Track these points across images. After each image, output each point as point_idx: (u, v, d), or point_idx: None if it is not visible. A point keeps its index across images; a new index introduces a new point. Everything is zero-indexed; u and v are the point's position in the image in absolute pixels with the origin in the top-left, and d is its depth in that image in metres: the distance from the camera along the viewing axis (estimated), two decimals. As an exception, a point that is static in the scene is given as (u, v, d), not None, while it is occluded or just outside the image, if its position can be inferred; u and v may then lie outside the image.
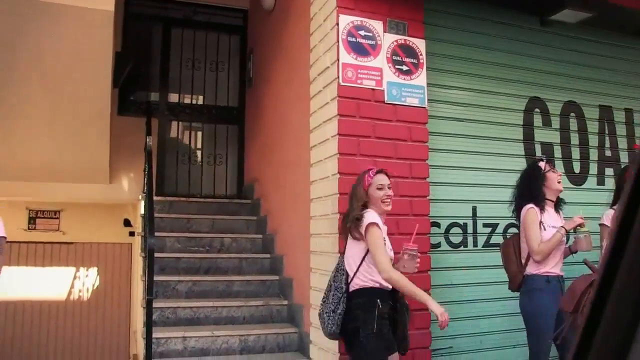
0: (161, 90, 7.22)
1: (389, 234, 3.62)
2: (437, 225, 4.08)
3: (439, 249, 4.06)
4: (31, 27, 4.95)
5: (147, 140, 5.55)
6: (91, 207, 9.51)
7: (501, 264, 3.76)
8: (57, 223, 9.96)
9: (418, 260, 3.07)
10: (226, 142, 7.37)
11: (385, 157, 3.73)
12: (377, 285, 3.00)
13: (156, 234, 4.72)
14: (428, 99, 3.95)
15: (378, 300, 2.97)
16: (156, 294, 4.69)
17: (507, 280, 3.71)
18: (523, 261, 3.57)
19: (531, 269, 3.51)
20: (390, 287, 3.01)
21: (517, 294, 3.65)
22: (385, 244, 3.03)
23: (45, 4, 4.71)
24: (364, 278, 3.03)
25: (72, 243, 10.00)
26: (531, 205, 3.53)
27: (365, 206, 3.11)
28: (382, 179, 3.13)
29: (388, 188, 3.12)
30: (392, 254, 3.10)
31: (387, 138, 3.77)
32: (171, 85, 7.27)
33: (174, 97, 7.38)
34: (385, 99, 3.81)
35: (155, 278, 4.50)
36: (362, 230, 3.00)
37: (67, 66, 5.49)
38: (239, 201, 6.68)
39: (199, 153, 7.54)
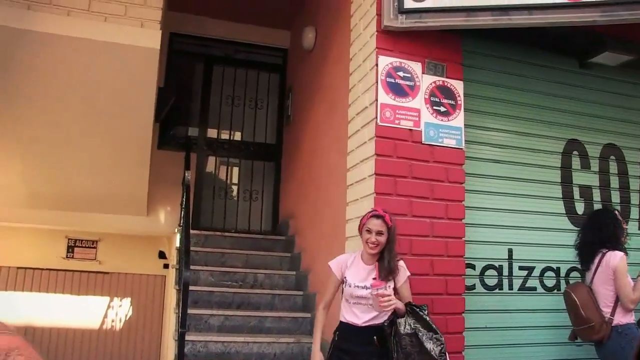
0: (201, 125, 7.39)
1: (422, 274, 3.63)
2: (472, 267, 4.07)
3: (473, 291, 4.04)
4: (81, 61, 5.14)
5: (185, 174, 5.66)
6: (128, 238, 9.66)
7: (536, 308, 3.71)
8: (95, 252, 10.14)
9: (382, 299, 3.05)
10: (262, 179, 7.47)
11: (422, 198, 3.76)
12: (342, 319, 3.30)
13: (191, 267, 4.78)
14: (465, 140, 3.99)
15: (336, 332, 3.30)
16: (188, 326, 4.73)
17: (544, 325, 3.67)
18: (605, 309, 3.50)
19: (624, 318, 3.46)
20: (360, 321, 3.20)
21: (555, 338, 3.59)
22: (345, 284, 3.29)
23: (96, 42, 4.90)
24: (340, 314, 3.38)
25: (107, 273, 10.15)
26: (621, 252, 3.50)
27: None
28: (373, 224, 3.23)
29: (377, 234, 3.21)
30: (357, 292, 3.22)
31: (423, 178, 3.81)
32: (210, 121, 7.43)
33: (212, 133, 7.53)
34: (423, 139, 3.85)
35: (189, 311, 4.56)
36: None
37: (112, 100, 5.68)
38: (274, 237, 6.73)
39: (235, 188, 7.64)
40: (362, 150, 3.97)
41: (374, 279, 3.19)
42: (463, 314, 3.77)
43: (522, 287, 4.22)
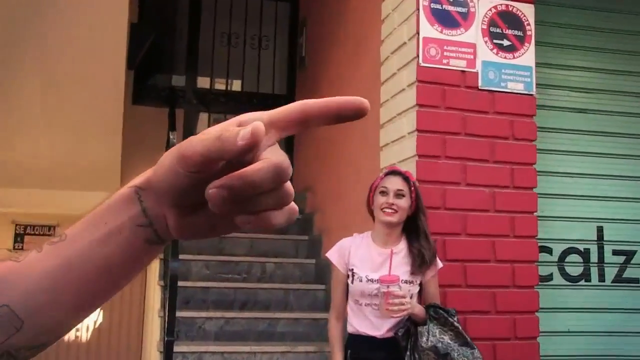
0: (188, 72, 7.43)
1: (480, 260, 3.66)
2: (549, 251, 4.09)
3: (550, 282, 4.06)
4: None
5: (171, 136, 5.72)
6: (96, 222, 9.80)
7: (638, 307, 3.73)
8: (53, 242, 10.30)
9: (391, 301, 2.96)
10: (271, 140, 7.51)
11: (479, 160, 3.78)
12: (352, 329, 3.23)
13: (180, 256, 4.86)
14: (537, 84, 3.97)
15: (348, 351, 3.23)
16: (177, 334, 4.82)
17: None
18: None
19: None
20: (381, 332, 3.12)
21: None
22: (352, 279, 3.19)
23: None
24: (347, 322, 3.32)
25: (71, 268, 10.34)
26: None
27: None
28: (389, 182, 3.17)
29: (396, 196, 3.13)
30: (371, 288, 3.12)
31: (481, 135, 3.81)
32: (201, 67, 7.46)
33: (204, 82, 7.58)
34: (480, 83, 3.85)
35: (177, 314, 4.65)
36: None
37: (71, 40, 5.73)
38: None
39: (236, 153, 7.71)
40: (400, 100, 3.98)
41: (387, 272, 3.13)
42: (537, 314, 3.79)
43: (618, 278, 4.23)
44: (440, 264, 3.24)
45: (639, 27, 4.45)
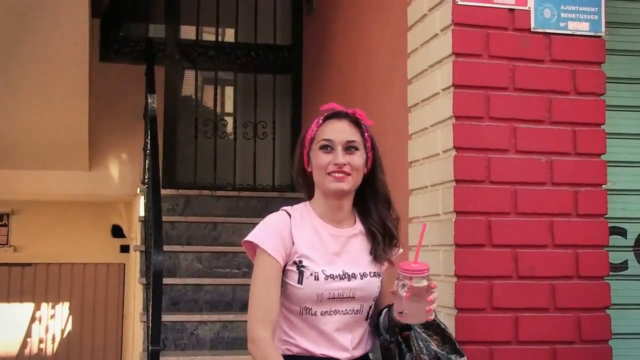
0: (169, 21, 7.46)
1: (536, 245, 3.64)
2: (622, 233, 4.07)
3: (625, 272, 4.05)
4: None
5: (149, 100, 5.72)
6: (60, 208, 9.84)
7: None
8: (6, 233, 10.38)
9: (433, 297, 2.58)
10: (273, 103, 7.52)
11: (532, 122, 3.75)
12: (296, 350, 2.70)
13: (166, 248, 4.87)
14: (606, 22, 3.92)
15: None
16: (164, 342, 4.85)
17: None
18: None
19: None
20: (349, 352, 2.73)
21: None
22: (299, 278, 2.69)
23: None
24: (275, 338, 2.70)
25: (29, 264, 10.41)
26: None
27: (311, 189, 2.90)
28: (334, 130, 2.80)
29: (346, 150, 2.76)
30: (338, 287, 2.70)
31: (535, 90, 3.78)
32: (184, 14, 7.49)
33: (189, 32, 7.60)
34: (532, 24, 3.81)
35: (164, 318, 4.68)
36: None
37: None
38: (295, 195, 6.78)
39: (229, 120, 7.71)
40: (432, 48, 3.95)
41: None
42: (608, 311, 3.76)
43: None
44: (401, 249, 2.96)
45: None
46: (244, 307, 5.47)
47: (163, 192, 5.71)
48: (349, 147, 2.77)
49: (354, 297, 2.71)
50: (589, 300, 3.71)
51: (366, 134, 2.87)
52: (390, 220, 2.89)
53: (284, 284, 2.69)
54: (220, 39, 7.72)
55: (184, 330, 5.11)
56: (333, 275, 2.68)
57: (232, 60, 7.56)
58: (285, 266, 2.70)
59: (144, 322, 5.09)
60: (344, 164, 2.73)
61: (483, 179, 3.62)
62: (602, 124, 3.84)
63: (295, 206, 2.87)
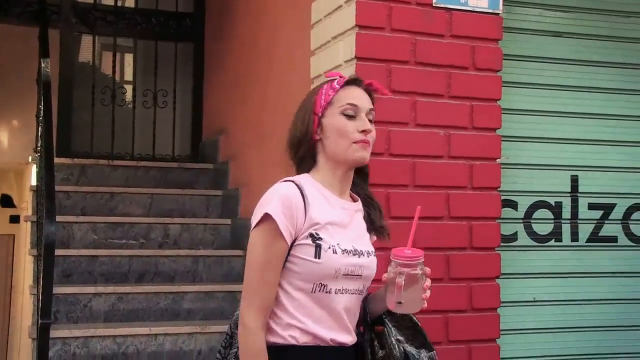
0: (64, -19, 7.29)
1: (432, 217, 3.78)
2: (513, 205, 4.22)
3: (514, 243, 4.20)
4: None
5: (42, 65, 5.63)
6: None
7: (618, 270, 3.91)
8: None
9: (427, 283, 2.47)
10: (174, 72, 7.49)
11: (432, 95, 3.85)
12: (305, 339, 2.47)
13: (59, 218, 4.83)
14: (504, 0, 4.04)
15: None
16: (56, 315, 4.82)
17: (632, 297, 3.87)
18: None
19: None
20: (353, 336, 2.58)
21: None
22: (317, 251, 2.48)
23: None
24: (273, 323, 2.50)
25: None
26: None
27: (309, 160, 2.67)
28: (356, 96, 2.62)
29: (370, 119, 2.61)
30: (353, 263, 2.53)
31: (435, 64, 3.87)
32: (81, -26, 7.34)
33: (86, -6, 7.45)
34: (434, 0, 3.90)
35: (56, 290, 4.65)
36: (252, 225, 2.56)
37: None
38: (195, 166, 6.83)
39: (128, 88, 7.64)
40: (335, 21, 4.00)
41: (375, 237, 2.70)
42: (498, 280, 3.93)
43: (594, 237, 4.40)
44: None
45: None
46: (140, 279, 5.49)
47: (57, 160, 5.59)
48: (370, 117, 2.62)
49: (361, 276, 2.55)
50: (480, 271, 3.87)
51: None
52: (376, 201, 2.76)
53: (294, 261, 2.47)
54: (119, 3, 7.62)
55: (77, 302, 5.05)
56: (347, 250, 2.52)
57: (132, 27, 7.46)
58: (294, 242, 2.47)
59: (34, 294, 5.02)
60: (370, 131, 2.58)
61: (382, 151, 3.69)
62: (498, 100, 3.97)
63: (297, 177, 2.61)
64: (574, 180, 4.36)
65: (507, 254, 4.07)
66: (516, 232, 4.23)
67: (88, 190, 6.18)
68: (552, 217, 4.32)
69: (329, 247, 2.46)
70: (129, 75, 7.81)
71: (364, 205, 2.71)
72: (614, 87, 4.46)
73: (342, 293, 2.50)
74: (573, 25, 4.40)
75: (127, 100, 7.50)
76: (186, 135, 7.44)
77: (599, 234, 4.42)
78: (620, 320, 4.38)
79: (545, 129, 4.30)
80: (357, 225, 2.64)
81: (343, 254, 2.48)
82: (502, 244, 3.99)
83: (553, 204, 4.32)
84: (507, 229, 4.14)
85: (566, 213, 4.35)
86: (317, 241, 2.47)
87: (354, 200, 2.68)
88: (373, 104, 2.65)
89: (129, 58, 7.86)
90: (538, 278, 4.24)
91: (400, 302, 2.40)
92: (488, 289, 3.86)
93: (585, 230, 4.39)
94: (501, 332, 3.91)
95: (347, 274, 2.50)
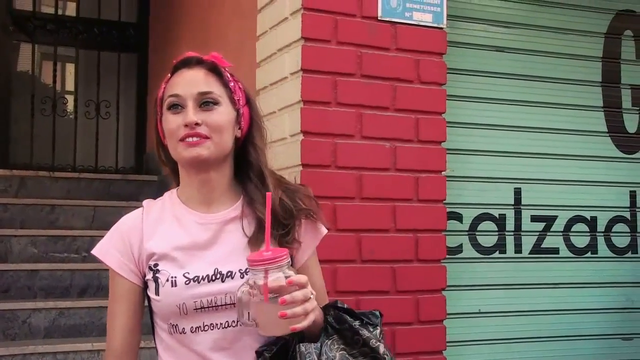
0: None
1: (377, 229, 3.82)
2: (458, 217, 4.31)
3: (459, 255, 4.30)
4: None
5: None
6: None
7: (559, 281, 4.03)
8: None
9: (291, 297, 1.94)
10: (117, 82, 7.47)
11: (377, 108, 3.89)
12: None
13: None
14: (448, 15, 4.11)
15: None
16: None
17: (573, 308, 3.98)
18: None
19: None
20: None
21: (593, 328, 3.90)
22: (155, 286, 2.20)
23: None
24: None
25: None
26: None
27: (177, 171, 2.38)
28: (183, 82, 2.24)
29: (202, 106, 2.20)
30: (208, 291, 2.16)
31: (380, 77, 3.92)
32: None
33: (24, 2, 7.43)
34: (380, 13, 3.94)
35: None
36: None
37: None
38: (139, 177, 6.83)
39: (70, 99, 7.61)
40: (281, 32, 4.03)
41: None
42: (444, 293, 3.99)
43: (537, 249, 4.52)
44: (324, 230, 2.42)
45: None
46: (82, 293, 5.47)
47: (-4, 172, 5.60)
48: (205, 102, 2.20)
49: (234, 304, 2.11)
50: (426, 283, 3.91)
51: (232, 84, 2.32)
52: (287, 197, 2.30)
53: (149, 299, 2.24)
54: (61, 11, 7.61)
55: (15, 318, 5.00)
56: (199, 277, 2.14)
57: (73, 36, 7.44)
58: (144, 277, 2.24)
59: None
60: (196, 123, 2.15)
61: (329, 164, 3.72)
62: (443, 112, 4.04)
63: (161, 197, 2.37)
64: (517, 193, 4.48)
65: (453, 266, 4.13)
66: (461, 244, 4.32)
67: (27, 203, 6.14)
68: (497, 229, 4.43)
69: (167, 280, 2.15)
70: (70, 85, 7.75)
71: (256, 212, 2.24)
72: (556, 102, 4.59)
73: (203, 331, 2.15)
74: (516, 40, 4.51)
75: (68, 110, 7.47)
76: (130, 147, 7.43)
77: (542, 246, 4.54)
78: (564, 330, 4.49)
79: (489, 142, 4.41)
80: (229, 239, 2.23)
81: (189, 284, 2.13)
82: (447, 256, 4.04)
83: (497, 216, 4.43)
84: (452, 241, 4.21)
85: (510, 225, 4.46)
86: (155, 275, 2.19)
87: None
88: (226, 82, 2.30)
89: (70, 68, 7.81)
90: (483, 290, 4.34)
91: (253, 322, 2.01)
92: (434, 301, 3.91)
93: (528, 242, 4.51)
94: (447, 344, 3.95)
95: (202, 307, 2.13)
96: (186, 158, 2.18)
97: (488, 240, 4.41)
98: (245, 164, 2.33)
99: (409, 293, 3.85)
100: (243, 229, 2.24)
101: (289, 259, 2.03)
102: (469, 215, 4.35)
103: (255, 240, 2.19)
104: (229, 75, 2.34)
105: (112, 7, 7.52)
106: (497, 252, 4.43)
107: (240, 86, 2.37)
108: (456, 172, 4.23)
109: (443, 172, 4.03)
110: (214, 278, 2.14)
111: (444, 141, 4.03)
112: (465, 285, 4.28)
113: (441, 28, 4.08)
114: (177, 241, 2.21)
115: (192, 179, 2.26)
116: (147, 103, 7.37)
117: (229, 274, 2.15)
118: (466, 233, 4.35)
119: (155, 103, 2.34)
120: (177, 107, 2.20)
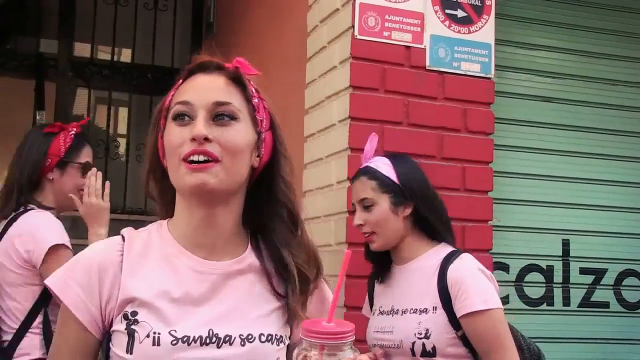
0: (62, 37, 7.43)
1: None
2: (505, 268, 4.31)
3: (506, 306, 4.19)
4: None
5: (37, 117, 5.71)
6: None
7: (610, 337, 4.02)
8: None
9: None
10: (168, 125, 7.57)
11: (424, 157, 3.90)
12: None
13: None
14: (496, 66, 4.14)
15: None
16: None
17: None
18: None
19: None
20: None
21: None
22: (129, 343, 1.70)
23: None
24: None
25: None
26: None
27: (171, 201, 1.92)
28: (194, 87, 1.83)
29: (215, 119, 1.76)
30: (190, 355, 1.71)
31: (427, 126, 3.95)
32: (79, 30, 7.47)
33: (83, 49, 7.59)
34: (428, 62, 3.99)
35: None
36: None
37: None
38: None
39: (122, 142, 7.70)
40: (330, 80, 4.08)
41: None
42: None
43: (585, 302, 4.50)
44: (329, 293, 2.00)
45: (619, 2, 4.71)
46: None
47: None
48: (220, 115, 1.76)
49: None
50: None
51: (256, 101, 1.88)
52: (296, 250, 1.91)
53: (112, 356, 1.73)
54: (116, 58, 7.72)
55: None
56: (189, 338, 1.69)
57: (127, 81, 7.56)
58: (110, 327, 1.74)
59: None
60: (206, 138, 1.70)
61: None
62: (490, 162, 4.06)
63: (145, 227, 1.88)
64: (565, 244, 4.48)
65: (499, 317, 4.14)
66: (508, 295, 4.31)
67: (78, 243, 6.18)
68: (544, 280, 4.42)
69: (148, 336, 1.67)
70: (122, 128, 7.86)
71: (278, 264, 1.86)
72: (603, 153, 4.61)
73: None
74: (563, 91, 4.55)
75: (119, 153, 7.56)
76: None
77: (591, 299, 4.50)
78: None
79: (537, 192, 4.42)
80: (231, 296, 1.79)
81: (176, 344, 1.67)
82: (493, 307, 4.05)
83: (545, 268, 4.43)
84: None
85: (558, 277, 4.45)
86: (131, 326, 1.69)
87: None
88: (249, 96, 1.86)
89: (123, 112, 7.92)
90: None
91: None
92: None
93: (577, 295, 4.48)
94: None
95: None
96: (188, 185, 1.71)
97: (535, 292, 4.41)
98: (261, 203, 1.91)
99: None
100: (263, 282, 1.84)
101: (353, 337, 1.54)
102: (515, 265, 4.36)
103: (294, 303, 1.82)
104: (253, 90, 1.90)
105: (166, 54, 7.64)
106: (545, 304, 4.42)
107: (265, 105, 1.92)
108: (503, 221, 4.24)
109: (489, 222, 4.03)
110: (207, 341, 1.69)
111: (491, 190, 4.05)
112: (511, 337, 4.27)
113: (489, 78, 4.11)
114: (165, 288, 1.74)
115: (193, 213, 1.79)
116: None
117: (227, 338, 1.71)
118: (513, 284, 4.35)
119: (156, 115, 1.89)
120: (184, 117, 1.75)
